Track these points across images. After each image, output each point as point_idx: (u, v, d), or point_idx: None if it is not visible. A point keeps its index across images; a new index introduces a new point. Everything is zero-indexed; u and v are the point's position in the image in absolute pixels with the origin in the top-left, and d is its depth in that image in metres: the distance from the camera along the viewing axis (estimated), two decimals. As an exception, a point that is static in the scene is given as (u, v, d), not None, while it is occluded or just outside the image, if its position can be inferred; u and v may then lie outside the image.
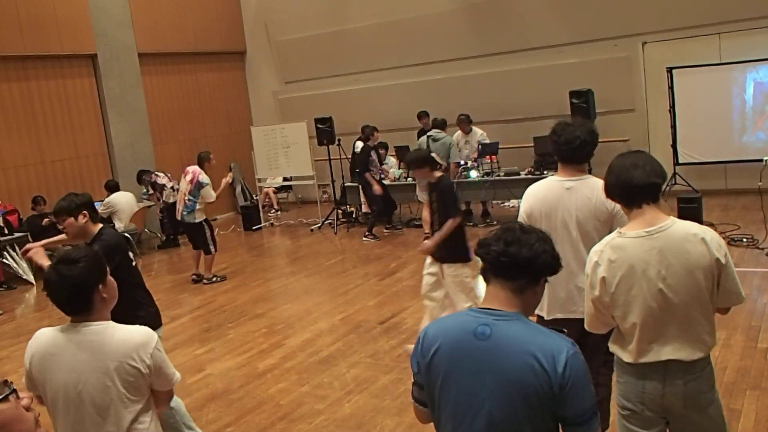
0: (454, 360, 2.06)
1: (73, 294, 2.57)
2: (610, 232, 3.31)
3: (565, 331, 2.10)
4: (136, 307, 4.07)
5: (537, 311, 3.77)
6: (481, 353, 2.02)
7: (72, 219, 4.05)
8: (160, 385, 2.70)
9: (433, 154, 9.00)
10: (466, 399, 2.04)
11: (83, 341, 2.59)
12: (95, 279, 2.60)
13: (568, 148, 3.47)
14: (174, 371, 2.73)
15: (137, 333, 2.64)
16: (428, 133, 10.38)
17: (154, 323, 4.04)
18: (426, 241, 5.50)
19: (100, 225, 4.18)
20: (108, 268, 2.70)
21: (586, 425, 2.00)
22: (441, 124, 10.41)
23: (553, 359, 1.95)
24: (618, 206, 3.41)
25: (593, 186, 3.49)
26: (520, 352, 1.98)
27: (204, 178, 8.82)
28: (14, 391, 1.61)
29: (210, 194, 8.82)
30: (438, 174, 5.53)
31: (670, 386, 2.66)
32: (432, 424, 2.22)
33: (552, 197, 3.56)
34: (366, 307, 7.28)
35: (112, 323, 2.64)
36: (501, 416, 1.99)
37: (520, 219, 3.66)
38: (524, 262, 2.04)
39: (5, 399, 1.58)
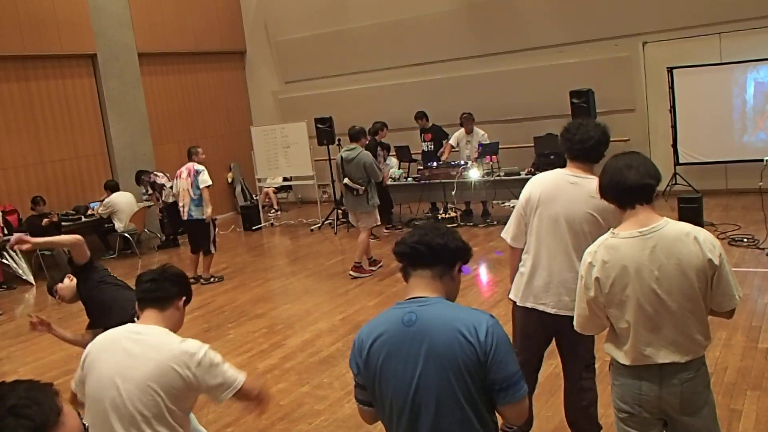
0: (389, 349, 2.22)
1: (171, 278, 2.73)
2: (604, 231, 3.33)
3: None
4: None
5: (511, 296, 3.79)
6: (411, 338, 2.19)
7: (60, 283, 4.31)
8: (216, 396, 2.69)
9: (346, 181, 8.46)
10: (403, 383, 2.19)
11: (138, 340, 2.57)
12: (188, 286, 2.83)
13: (582, 147, 3.51)
14: (225, 380, 2.68)
15: (189, 342, 2.62)
16: (341, 153, 8.65)
17: None
18: None
19: None
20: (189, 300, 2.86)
21: (515, 386, 2.16)
22: (356, 135, 8.50)
23: (475, 330, 2.14)
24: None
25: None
26: (446, 330, 2.16)
27: (198, 166, 8.99)
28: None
29: (206, 179, 8.87)
30: None
31: (667, 387, 2.67)
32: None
33: (554, 187, 3.59)
34: (366, 307, 7.27)
35: (167, 330, 2.65)
36: (437, 393, 2.15)
37: (518, 203, 3.73)
38: (438, 247, 2.29)
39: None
